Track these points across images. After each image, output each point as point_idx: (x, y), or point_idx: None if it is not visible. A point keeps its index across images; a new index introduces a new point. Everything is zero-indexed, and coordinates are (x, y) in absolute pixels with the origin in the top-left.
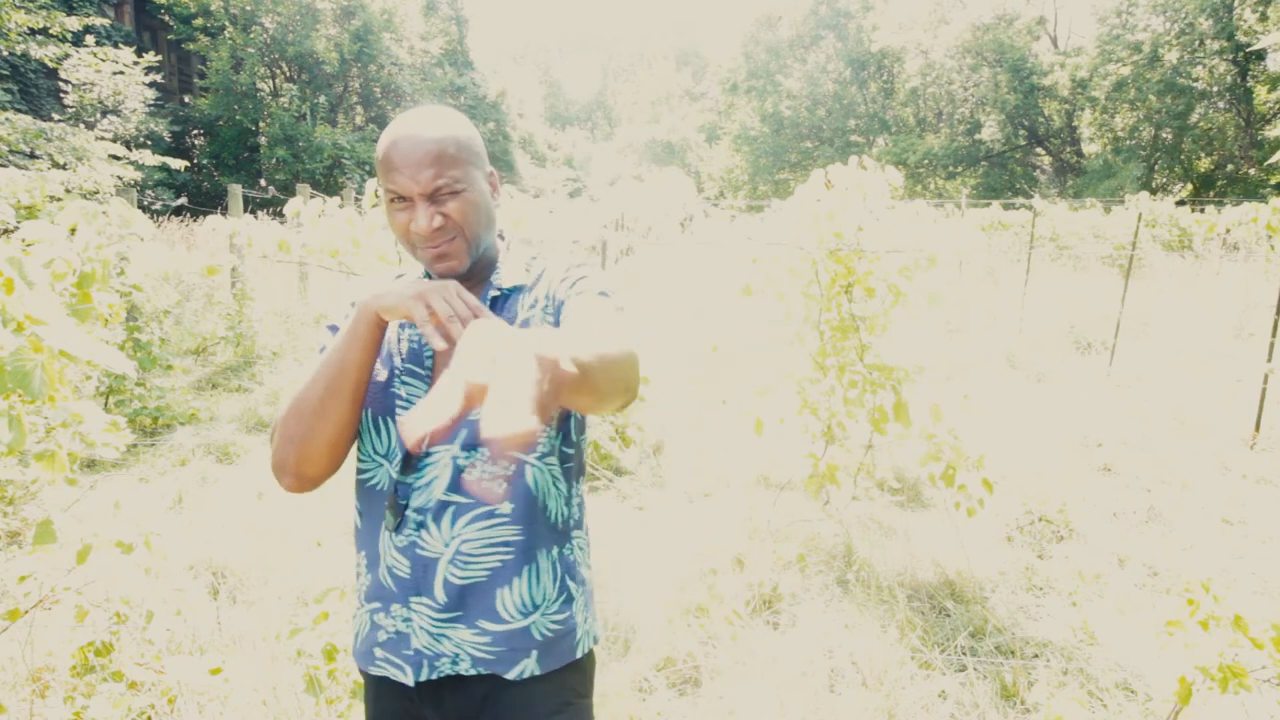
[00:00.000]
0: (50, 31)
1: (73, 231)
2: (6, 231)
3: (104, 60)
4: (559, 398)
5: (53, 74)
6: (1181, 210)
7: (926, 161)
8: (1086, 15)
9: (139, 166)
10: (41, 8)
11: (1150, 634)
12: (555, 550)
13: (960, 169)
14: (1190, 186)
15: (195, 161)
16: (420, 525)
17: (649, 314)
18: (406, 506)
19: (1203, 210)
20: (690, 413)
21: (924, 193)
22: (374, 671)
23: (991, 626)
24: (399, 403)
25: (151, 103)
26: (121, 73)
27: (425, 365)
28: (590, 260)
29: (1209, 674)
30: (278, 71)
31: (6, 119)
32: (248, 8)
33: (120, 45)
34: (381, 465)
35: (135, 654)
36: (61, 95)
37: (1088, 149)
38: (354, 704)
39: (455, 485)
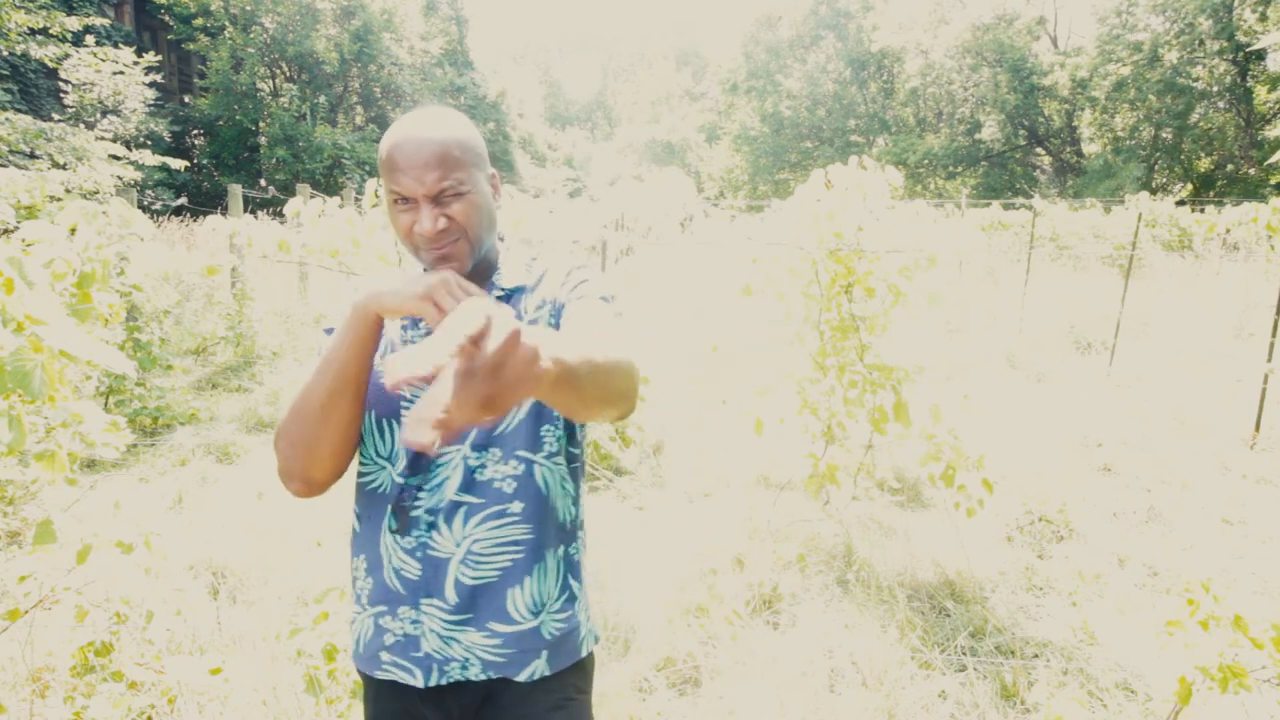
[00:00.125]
0: (50, 31)
1: (73, 231)
2: (6, 231)
3: (104, 60)
4: (529, 389)
5: (53, 74)
6: (1181, 210)
7: (926, 161)
8: (1086, 15)
9: (139, 166)
10: (41, 8)
11: (1150, 634)
12: (562, 549)
13: (960, 169)
14: (1190, 186)
15: (195, 161)
16: (431, 526)
17: (649, 314)
18: (412, 508)
19: (1203, 210)
20: (690, 413)
21: (924, 193)
22: (380, 675)
23: (991, 626)
24: (403, 403)
25: (151, 103)
26: (121, 73)
27: None
28: (591, 262)
29: (1209, 674)
30: (278, 71)
31: (6, 119)
32: (248, 8)
33: (120, 45)
34: (384, 468)
35: (135, 654)
36: (61, 95)
37: (1088, 149)
38: (354, 704)
39: (467, 486)
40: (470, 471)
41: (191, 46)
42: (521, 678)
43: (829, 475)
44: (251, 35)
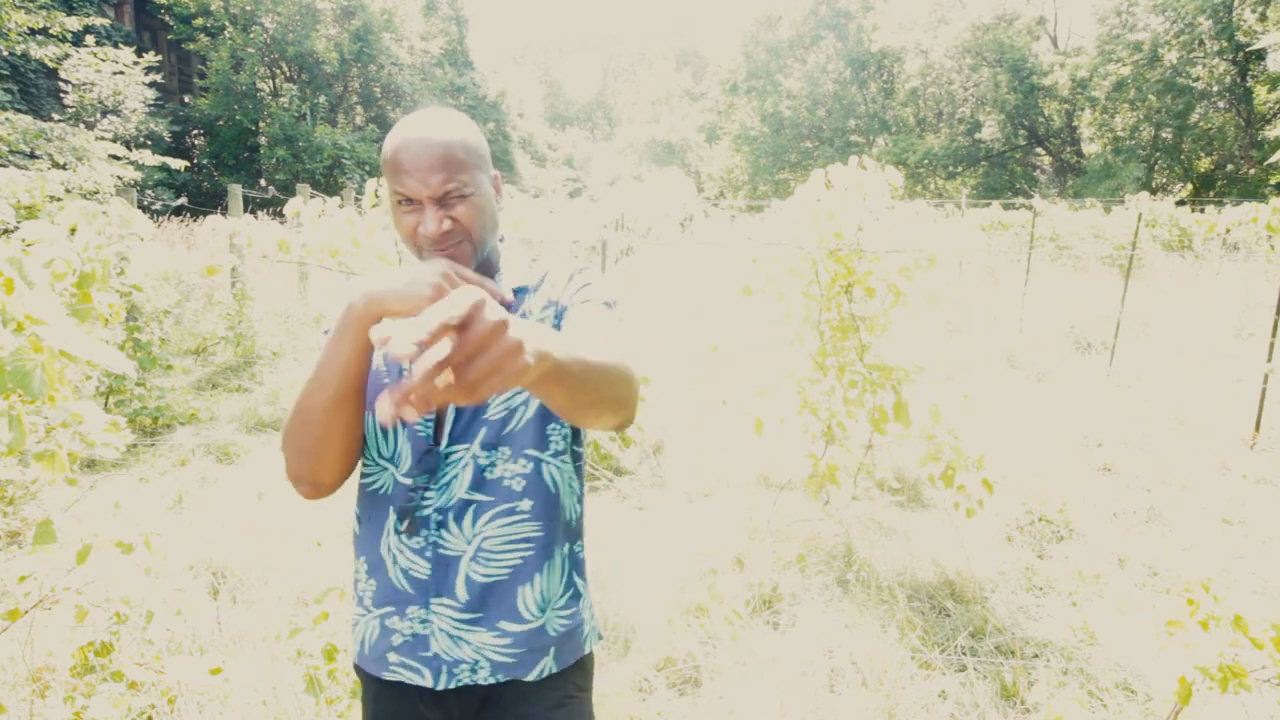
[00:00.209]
0: (50, 31)
1: (73, 231)
2: (6, 231)
3: (104, 60)
4: (512, 380)
5: (53, 74)
6: (1181, 210)
7: (926, 161)
8: (1086, 15)
9: (139, 166)
10: (41, 8)
11: (1150, 634)
12: (568, 547)
13: (960, 169)
14: (1190, 186)
15: (195, 161)
16: (441, 525)
17: (649, 314)
18: (420, 508)
19: (1203, 210)
20: (690, 413)
21: (924, 193)
22: (388, 677)
23: (991, 626)
24: None
25: (151, 103)
26: (121, 73)
27: None
28: (592, 264)
29: (1209, 674)
30: (278, 71)
31: (6, 119)
32: (248, 8)
33: (120, 45)
34: (386, 469)
35: (135, 654)
36: (61, 95)
37: (1088, 149)
38: (354, 704)
39: (477, 484)
40: (480, 470)
41: (191, 46)
42: (530, 678)
43: (829, 475)
44: (251, 35)
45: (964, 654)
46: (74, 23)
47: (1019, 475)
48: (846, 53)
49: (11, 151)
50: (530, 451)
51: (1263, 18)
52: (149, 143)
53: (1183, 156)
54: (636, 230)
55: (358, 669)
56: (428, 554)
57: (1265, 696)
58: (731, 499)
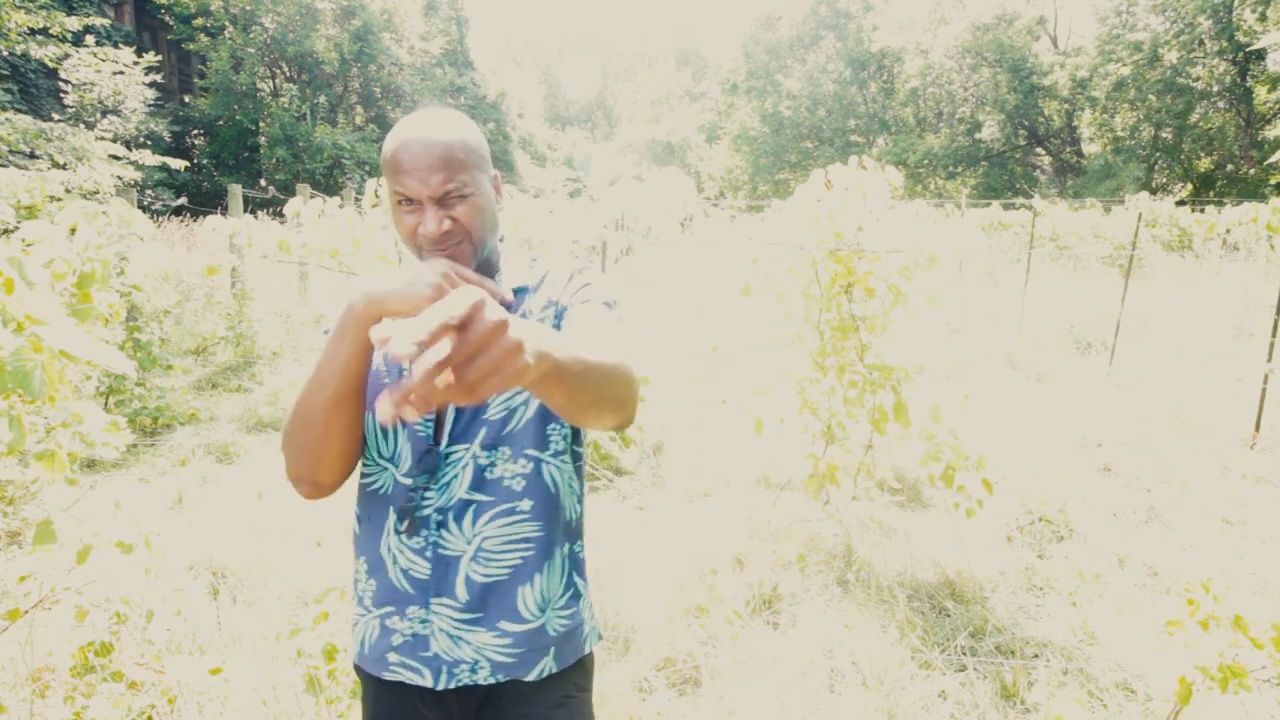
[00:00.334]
0: (50, 31)
1: (73, 231)
2: (6, 231)
3: (104, 60)
4: (512, 380)
5: (53, 74)
6: (1181, 210)
7: (926, 161)
8: (1086, 15)
9: (139, 166)
10: (41, 8)
11: (1150, 634)
12: (568, 546)
13: (960, 169)
14: (1190, 186)
15: (195, 161)
16: (441, 525)
17: (649, 314)
18: (420, 508)
19: (1203, 210)
20: (690, 413)
21: (924, 193)
22: (388, 677)
23: (991, 626)
24: None
25: (151, 103)
26: (121, 73)
27: None
28: (591, 264)
29: (1209, 674)
30: (278, 71)
31: (6, 119)
32: (248, 8)
33: (120, 45)
34: (386, 469)
35: (135, 654)
36: (61, 95)
37: (1088, 149)
38: (354, 704)
39: (477, 484)
40: (480, 470)
41: (191, 46)
42: (530, 677)
43: (829, 475)
44: (251, 35)
45: (964, 654)
46: (74, 23)
47: (1019, 475)
48: (846, 53)
49: (11, 151)
50: (530, 451)
51: (1263, 18)
52: (149, 143)
53: (1183, 156)
54: (636, 230)
55: (358, 669)
56: (428, 554)
57: (1265, 696)
58: (731, 499)
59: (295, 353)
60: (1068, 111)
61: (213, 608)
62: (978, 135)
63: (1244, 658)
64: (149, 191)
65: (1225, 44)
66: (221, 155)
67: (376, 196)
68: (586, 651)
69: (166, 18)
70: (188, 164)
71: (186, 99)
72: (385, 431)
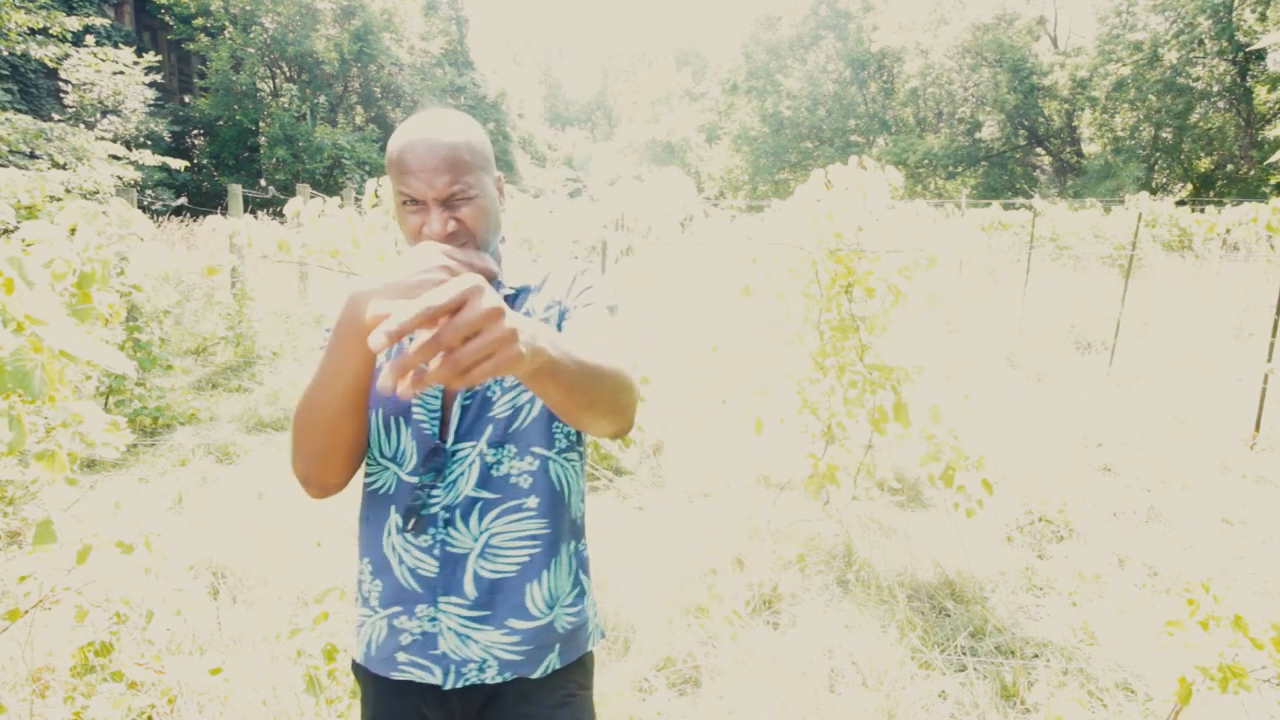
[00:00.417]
0: (50, 31)
1: (73, 231)
2: (6, 231)
3: (104, 60)
4: (503, 367)
5: (53, 74)
6: (1181, 210)
7: (926, 161)
8: (1086, 15)
9: (139, 166)
10: (41, 8)
11: (1150, 634)
12: (573, 544)
13: (960, 169)
14: (1190, 186)
15: (195, 161)
16: (448, 523)
17: (649, 314)
18: (426, 506)
19: (1203, 210)
20: (690, 413)
21: (924, 193)
22: (396, 676)
23: (991, 626)
24: (414, 402)
25: (151, 103)
26: (121, 73)
27: None
28: (593, 266)
29: (1209, 674)
30: (278, 71)
31: (6, 119)
32: (248, 8)
33: (120, 45)
34: (387, 468)
35: (135, 654)
36: (61, 95)
37: (1088, 149)
38: (354, 704)
39: (483, 481)
40: (487, 467)
41: (191, 46)
42: (536, 675)
43: (829, 475)
44: (251, 35)
45: (964, 654)
46: (74, 23)
47: (1019, 475)
48: (846, 53)
49: (11, 151)
50: (537, 449)
51: (1263, 18)
52: (149, 143)
53: (1183, 156)
54: (636, 230)
55: (358, 669)
56: (435, 552)
57: (1265, 696)
58: (731, 499)
59: (295, 353)
60: (1068, 111)
61: (213, 608)
62: (978, 135)
63: (1244, 658)
64: (149, 191)
65: (1225, 44)
66: (221, 155)
67: (376, 196)
68: (590, 648)
69: (166, 18)
70: (188, 164)
71: (186, 99)
72: (389, 430)
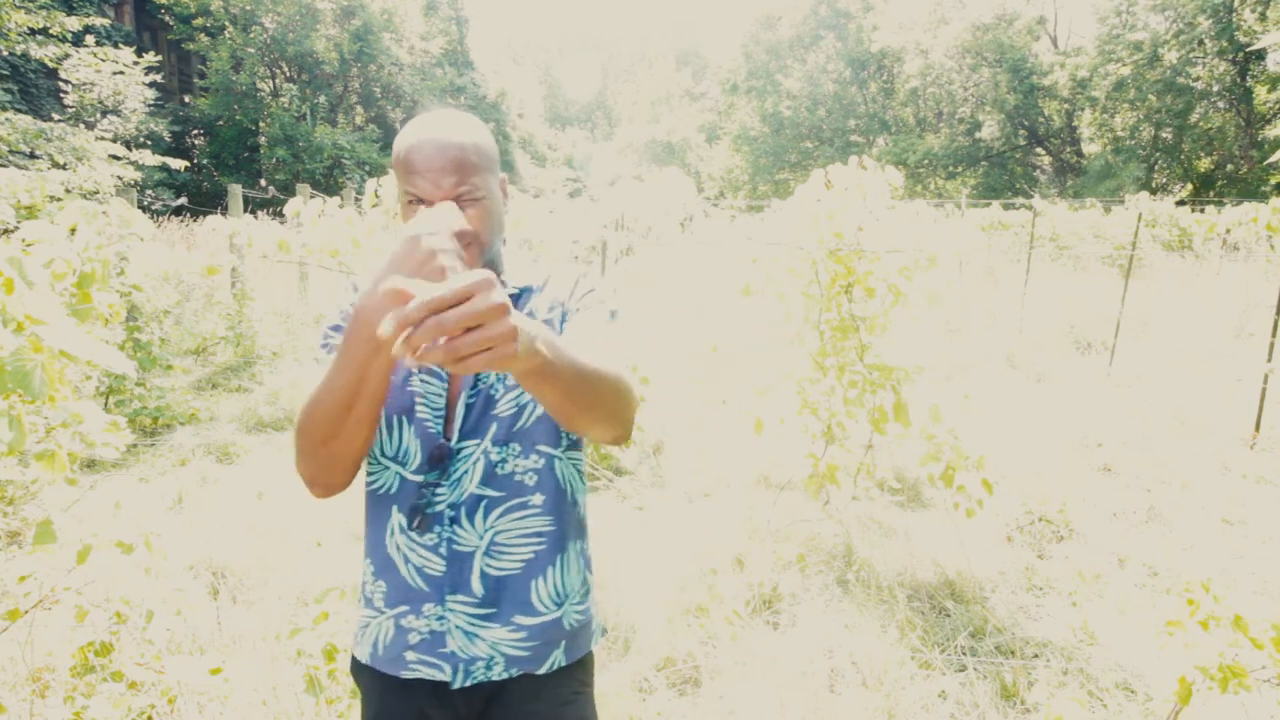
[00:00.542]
0: (50, 31)
1: (73, 231)
2: (6, 231)
3: (104, 60)
4: (501, 362)
5: (53, 74)
6: (1181, 210)
7: (926, 161)
8: (1086, 15)
9: (139, 166)
10: (41, 8)
11: (1150, 634)
12: (579, 543)
13: (960, 169)
14: (1190, 186)
15: (195, 161)
16: (453, 521)
17: (649, 314)
18: (431, 504)
19: (1203, 210)
20: (690, 413)
21: (924, 193)
22: (405, 675)
23: (991, 626)
24: (418, 400)
25: (151, 103)
26: (121, 73)
27: None
28: (593, 268)
29: (1209, 674)
30: (278, 71)
31: (6, 119)
32: (248, 8)
33: (120, 45)
34: (388, 468)
35: (135, 654)
36: (61, 95)
37: (1088, 149)
38: (354, 704)
39: (488, 479)
40: (491, 465)
41: (191, 46)
42: (542, 671)
43: (829, 475)
44: (251, 35)
45: (964, 654)
46: (74, 23)
47: (1019, 475)
48: (846, 53)
49: (11, 151)
50: (542, 447)
51: (1262, 18)
52: (149, 143)
53: (1183, 156)
54: (636, 230)
55: (361, 669)
56: (442, 550)
57: (1265, 696)
58: (731, 499)
59: (295, 353)
60: (1068, 111)
61: (213, 608)
62: (978, 135)
63: (1244, 658)
64: (149, 191)
65: (1225, 44)
66: (221, 155)
67: (376, 196)
68: (593, 646)
69: (166, 18)
70: (188, 164)
71: (186, 99)
72: (391, 429)
